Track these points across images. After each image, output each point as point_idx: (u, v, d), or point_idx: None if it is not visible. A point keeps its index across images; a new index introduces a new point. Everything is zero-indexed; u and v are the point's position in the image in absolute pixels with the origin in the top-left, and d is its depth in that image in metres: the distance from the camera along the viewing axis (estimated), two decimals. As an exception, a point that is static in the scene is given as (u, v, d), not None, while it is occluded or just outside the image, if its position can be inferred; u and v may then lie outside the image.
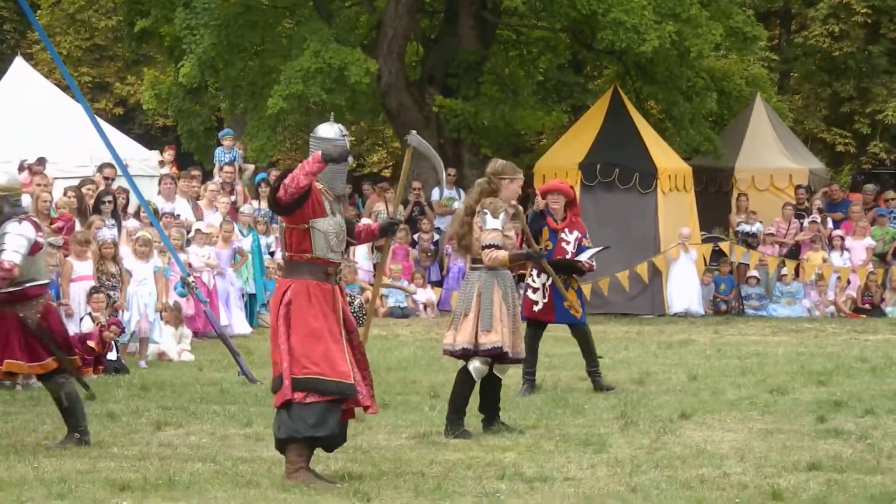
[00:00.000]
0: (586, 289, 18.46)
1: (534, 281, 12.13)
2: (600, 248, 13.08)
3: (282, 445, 8.07)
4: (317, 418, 7.88)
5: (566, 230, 12.34)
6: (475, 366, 9.75)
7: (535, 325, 12.23)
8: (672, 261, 20.60)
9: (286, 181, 7.85)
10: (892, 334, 17.85)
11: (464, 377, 9.84)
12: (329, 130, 8.09)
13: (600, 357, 12.46)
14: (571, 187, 13.02)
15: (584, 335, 12.35)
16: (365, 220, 20.99)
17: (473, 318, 9.69)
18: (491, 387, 10.01)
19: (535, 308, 12.12)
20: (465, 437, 9.60)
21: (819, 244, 21.37)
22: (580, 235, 12.41)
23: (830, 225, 22.16)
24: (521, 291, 12.30)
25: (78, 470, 8.34)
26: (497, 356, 9.72)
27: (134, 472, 8.25)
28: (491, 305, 9.65)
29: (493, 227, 9.71)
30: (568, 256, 12.23)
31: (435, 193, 22.59)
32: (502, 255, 9.69)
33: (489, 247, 9.70)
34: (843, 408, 10.88)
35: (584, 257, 12.23)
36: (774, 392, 11.82)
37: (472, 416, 10.02)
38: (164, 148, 22.80)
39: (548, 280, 11.96)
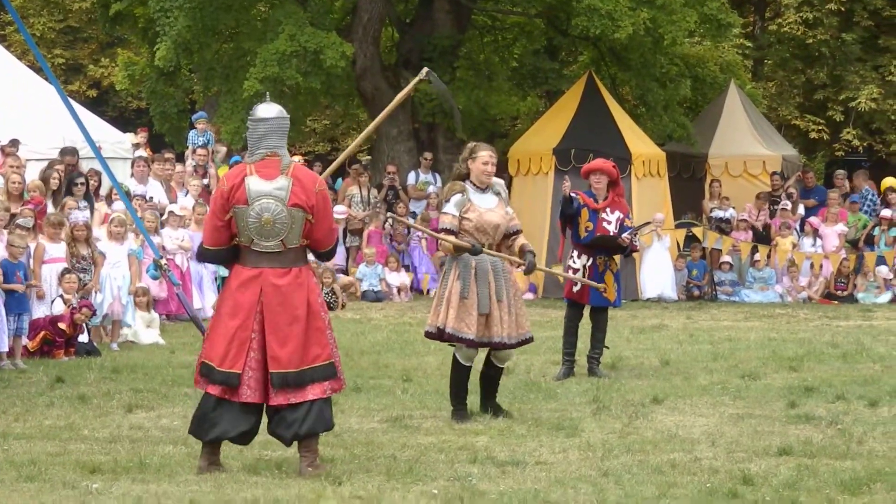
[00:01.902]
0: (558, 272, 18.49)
1: (574, 262, 12.10)
2: (640, 224, 12.88)
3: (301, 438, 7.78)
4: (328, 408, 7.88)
5: (607, 210, 12.11)
6: (460, 353, 9.73)
7: (576, 307, 12.22)
8: (645, 246, 20.63)
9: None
10: (864, 320, 17.91)
11: (453, 365, 9.82)
12: (269, 110, 7.90)
13: (606, 347, 12.36)
14: (615, 166, 12.55)
15: (603, 321, 12.24)
16: (339, 207, 21.01)
17: (436, 301, 9.72)
18: (487, 375, 9.96)
19: (575, 289, 12.10)
20: (463, 421, 9.54)
21: (789, 230, 21.43)
22: (622, 216, 12.17)
23: (802, 211, 22.23)
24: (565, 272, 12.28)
25: (48, 452, 8.31)
26: (436, 338, 9.65)
27: (105, 455, 8.23)
28: (443, 288, 9.60)
29: (445, 210, 9.68)
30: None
31: (410, 178, 22.57)
32: (447, 244, 9.62)
33: (442, 230, 9.67)
34: (814, 393, 10.92)
35: (624, 235, 12.06)
36: (746, 377, 11.86)
37: (442, 399, 10.04)
38: (136, 130, 22.67)
39: (588, 261, 11.94)
